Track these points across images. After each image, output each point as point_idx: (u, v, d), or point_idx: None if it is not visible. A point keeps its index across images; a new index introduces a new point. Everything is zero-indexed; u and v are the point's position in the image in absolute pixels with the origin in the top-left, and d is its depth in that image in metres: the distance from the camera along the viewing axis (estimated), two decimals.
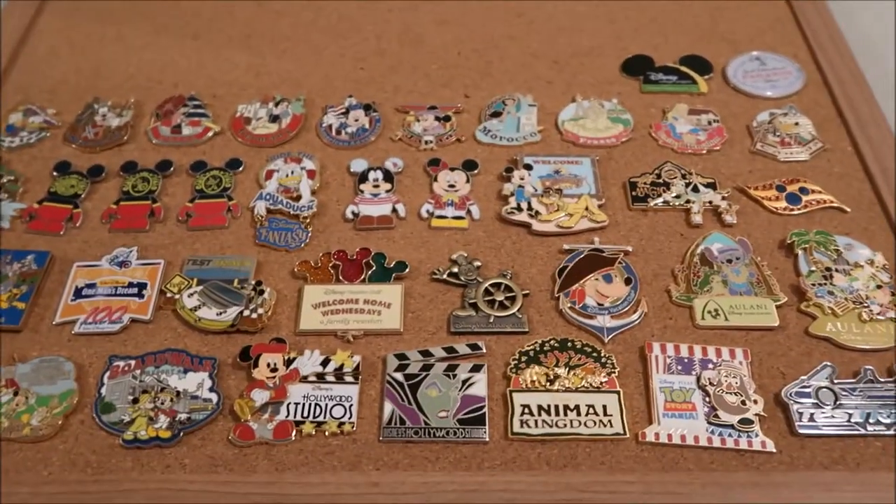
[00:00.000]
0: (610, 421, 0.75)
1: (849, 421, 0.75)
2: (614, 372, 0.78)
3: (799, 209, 0.92)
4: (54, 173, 0.97)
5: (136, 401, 0.76)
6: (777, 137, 0.99)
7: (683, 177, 0.95)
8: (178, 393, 0.77)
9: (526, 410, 0.75)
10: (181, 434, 0.74)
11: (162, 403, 0.76)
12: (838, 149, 0.99)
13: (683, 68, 1.09)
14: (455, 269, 0.86)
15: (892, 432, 0.74)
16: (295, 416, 0.75)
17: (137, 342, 0.82)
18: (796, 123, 1.01)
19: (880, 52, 1.17)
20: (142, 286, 0.85)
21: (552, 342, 0.80)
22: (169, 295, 0.84)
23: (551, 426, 0.74)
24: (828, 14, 1.17)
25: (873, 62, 1.11)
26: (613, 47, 1.13)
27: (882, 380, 0.78)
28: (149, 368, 0.79)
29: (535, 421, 0.74)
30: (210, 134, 1.01)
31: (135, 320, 0.83)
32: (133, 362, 0.79)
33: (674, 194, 0.93)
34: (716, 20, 1.18)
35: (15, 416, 0.75)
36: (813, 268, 0.86)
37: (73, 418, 0.76)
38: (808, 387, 0.77)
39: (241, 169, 0.97)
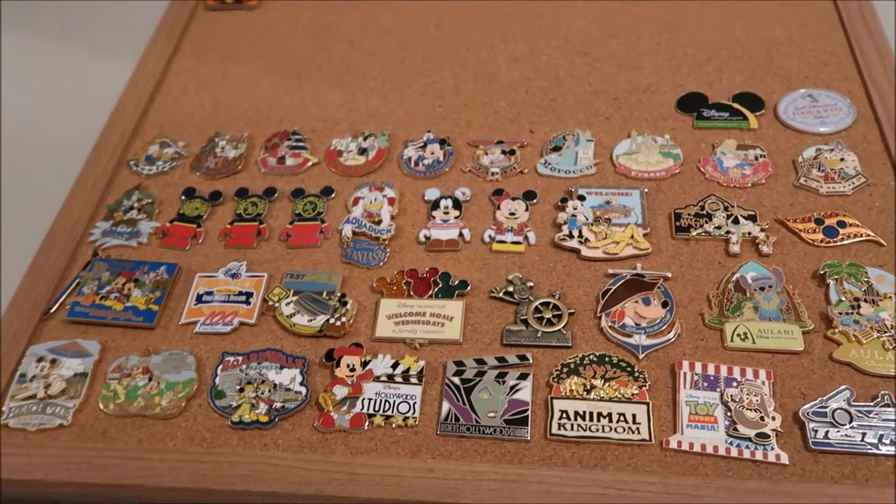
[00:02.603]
0: (638, 428, 0.84)
1: (862, 440, 0.81)
2: (645, 385, 0.87)
3: (836, 241, 0.97)
4: (182, 197, 1.14)
5: (241, 390, 0.90)
6: (821, 172, 1.05)
7: (725, 209, 1.02)
8: (275, 385, 0.90)
9: (564, 415, 0.85)
10: (276, 419, 0.87)
11: (262, 393, 0.90)
12: (882, 184, 1.03)
13: (736, 105, 1.14)
14: (510, 289, 0.97)
15: None
16: (368, 410, 0.87)
17: (244, 342, 0.96)
18: (841, 159, 1.05)
19: None
20: (249, 295, 1.00)
21: (591, 356, 0.90)
22: (270, 303, 0.98)
23: (585, 430, 0.84)
24: (886, 48, 1.18)
25: None
26: (670, 84, 1.20)
27: None
28: (252, 364, 0.92)
29: (572, 425, 0.85)
30: (309, 164, 1.16)
31: (243, 323, 0.97)
32: (240, 358, 0.93)
33: (715, 225, 1.01)
34: (772, 56, 1.22)
35: (149, 398, 0.91)
36: (842, 297, 0.92)
37: (193, 402, 0.90)
38: (826, 407, 0.83)
39: (333, 196, 1.11)
